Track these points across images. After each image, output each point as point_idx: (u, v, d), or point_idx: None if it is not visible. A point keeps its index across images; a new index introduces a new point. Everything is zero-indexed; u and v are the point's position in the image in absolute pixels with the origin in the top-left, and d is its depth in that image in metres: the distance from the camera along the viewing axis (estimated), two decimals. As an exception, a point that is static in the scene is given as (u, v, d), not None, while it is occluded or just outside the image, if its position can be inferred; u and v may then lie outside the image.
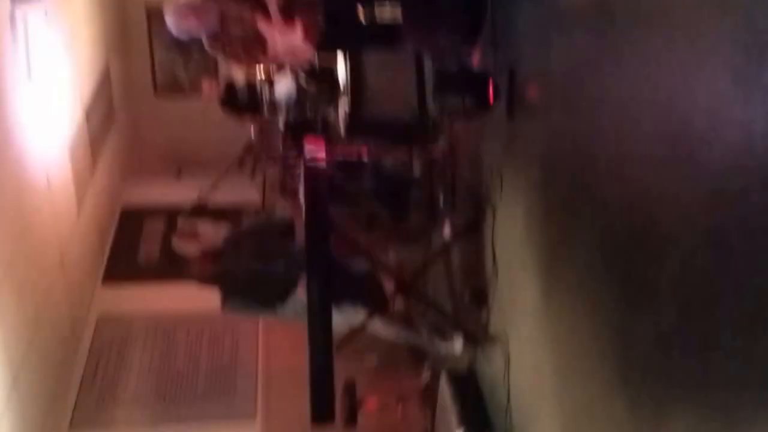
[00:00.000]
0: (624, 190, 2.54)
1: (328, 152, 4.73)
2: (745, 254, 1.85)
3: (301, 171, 4.58)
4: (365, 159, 5.15)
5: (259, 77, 6.16)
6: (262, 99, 6.07)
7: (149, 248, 7.07)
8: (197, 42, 4.31)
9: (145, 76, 8.45)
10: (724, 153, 1.92)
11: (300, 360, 3.92)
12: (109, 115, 7.41)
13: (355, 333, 4.50)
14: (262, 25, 4.11)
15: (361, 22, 4.64)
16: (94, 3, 6.87)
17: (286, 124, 5.91)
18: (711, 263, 2.00)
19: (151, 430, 5.47)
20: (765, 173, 1.75)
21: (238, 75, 6.45)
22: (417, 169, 5.33)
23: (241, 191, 6.73)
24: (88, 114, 6.53)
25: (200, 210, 4.99)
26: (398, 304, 4.89)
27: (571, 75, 3.01)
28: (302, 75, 5.88)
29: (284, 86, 5.89)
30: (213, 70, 8.13)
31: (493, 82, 3.82)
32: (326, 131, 5.93)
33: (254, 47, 4.27)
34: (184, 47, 7.93)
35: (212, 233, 5.80)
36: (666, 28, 2.21)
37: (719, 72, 1.94)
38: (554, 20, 3.17)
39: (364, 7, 4.50)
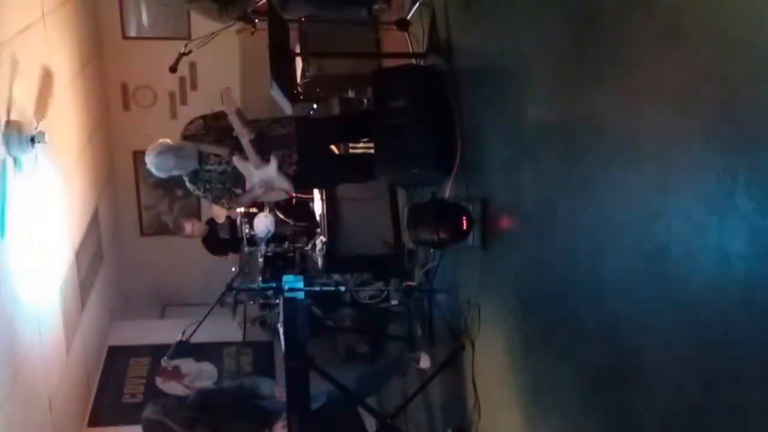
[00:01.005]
0: (603, 316, 2.50)
1: (305, 285, 4.81)
2: (731, 380, 1.83)
3: (280, 303, 4.65)
4: (342, 290, 5.23)
5: (238, 213, 6.34)
6: (242, 235, 6.23)
7: (134, 389, 7.04)
8: (180, 182, 4.46)
9: (132, 217, 8.65)
10: (702, 276, 1.92)
11: None
12: (98, 255, 7.52)
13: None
14: (238, 162, 4.25)
15: (331, 156, 4.80)
16: (85, 148, 7.10)
17: (265, 258, 6.04)
18: (697, 391, 1.96)
19: None
20: (744, 296, 1.75)
21: (220, 213, 6.63)
22: (394, 300, 5.40)
23: (222, 328, 6.78)
24: (78, 256, 6.62)
25: (183, 349, 5.01)
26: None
27: (543, 202, 3.04)
28: (278, 211, 6.07)
29: (263, 222, 6.04)
30: (195, 210, 8.35)
31: (465, 213, 3.86)
32: (304, 264, 6.05)
33: (233, 184, 4.42)
34: (168, 188, 8.19)
35: (195, 371, 5.81)
36: (635, 156, 2.24)
37: (692, 198, 1.96)
38: (523, 151, 3.22)
39: (336, 142, 4.67)
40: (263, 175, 4.30)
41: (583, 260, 2.64)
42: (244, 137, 4.18)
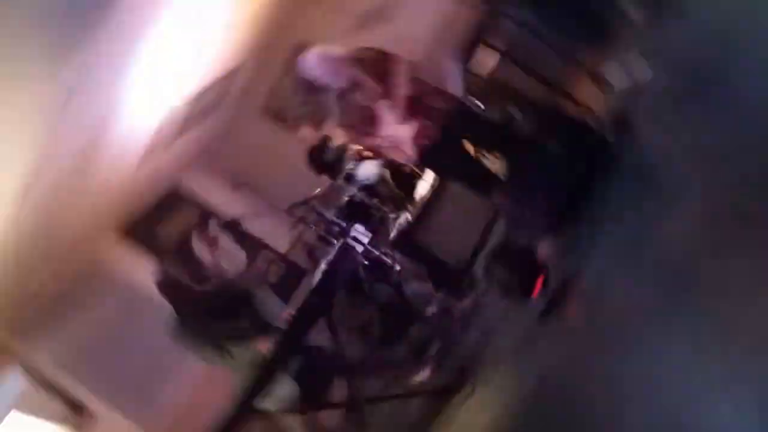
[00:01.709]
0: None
1: (370, 243, 4.77)
2: None
3: (337, 245, 4.63)
4: (397, 269, 5.14)
5: (352, 148, 6.32)
6: (343, 168, 6.20)
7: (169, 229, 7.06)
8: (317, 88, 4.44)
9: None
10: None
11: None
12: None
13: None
14: (383, 105, 4.21)
15: (467, 154, 4.73)
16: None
17: (350, 200, 6.00)
18: None
19: None
20: None
21: (337, 136, 6.60)
22: (431, 310, 5.32)
23: (274, 232, 6.78)
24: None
25: (232, 226, 5.05)
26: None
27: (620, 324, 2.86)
28: (387, 169, 6.03)
29: (369, 169, 6.01)
30: (318, 121, 8.30)
31: (544, 278, 3.77)
32: (379, 226, 5.99)
33: (366, 122, 4.38)
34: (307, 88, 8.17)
35: (228, 251, 5.84)
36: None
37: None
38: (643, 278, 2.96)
39: (476, 145, 4.60)
40: (397, 130, 4.26)
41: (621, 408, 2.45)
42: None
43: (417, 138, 4.29)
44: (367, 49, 4.35)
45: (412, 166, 5.14)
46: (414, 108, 4.26)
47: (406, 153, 4.39)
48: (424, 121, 4.29)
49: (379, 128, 4.32)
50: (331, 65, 4.22)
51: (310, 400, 4.31)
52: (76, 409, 5.59)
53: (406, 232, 5.29)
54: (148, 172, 6.45)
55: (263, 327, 4.33)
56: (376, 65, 4.29)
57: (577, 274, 3.62)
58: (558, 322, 3.47)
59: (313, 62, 4.22)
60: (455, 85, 4.43)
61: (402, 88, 4.14)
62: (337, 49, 4.29)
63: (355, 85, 4.24)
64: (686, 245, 2.69)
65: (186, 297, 4.42)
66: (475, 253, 5.12)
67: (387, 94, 4.17)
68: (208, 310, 4.39)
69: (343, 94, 4.32)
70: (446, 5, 6.77)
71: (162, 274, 4.51)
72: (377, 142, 4.46)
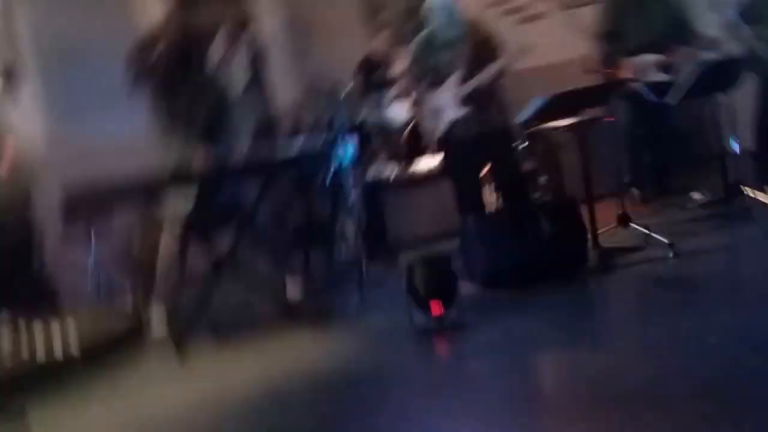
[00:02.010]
0: None
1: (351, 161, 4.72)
2: None
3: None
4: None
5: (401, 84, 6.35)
6: (378, 88, 6.15)
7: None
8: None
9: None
10: None
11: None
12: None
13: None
14: (455, 80, 4.33)
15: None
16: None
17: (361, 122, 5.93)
18: None
19: None
20: None
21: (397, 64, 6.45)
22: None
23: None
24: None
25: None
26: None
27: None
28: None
29: (400, 110, 6.03)
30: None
31: None
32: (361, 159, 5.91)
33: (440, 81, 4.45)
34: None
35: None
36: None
37: None
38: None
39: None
40: (449, 102, 4.32)
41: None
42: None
43: (457, 126, 4.37)
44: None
45: (433, 143, 5.09)
46: (475, 102, 4.32)
47: (436, 127, 4.45)
48: (476, 115, 4.37)
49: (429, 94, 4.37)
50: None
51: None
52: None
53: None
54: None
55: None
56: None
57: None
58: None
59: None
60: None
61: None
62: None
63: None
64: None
65: None
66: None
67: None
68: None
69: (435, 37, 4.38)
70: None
71: None
72: (430, 102, 4.50)
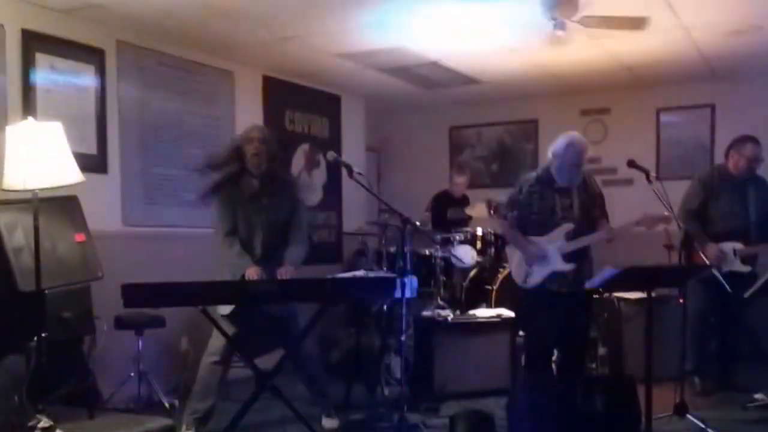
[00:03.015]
0: None
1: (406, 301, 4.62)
2: None
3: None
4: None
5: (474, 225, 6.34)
6: (452, 237, 6.09)
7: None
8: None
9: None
10: None
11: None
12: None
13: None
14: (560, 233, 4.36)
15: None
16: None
17: (428, 255, 5.89)
18: None
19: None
20: None
21: (479, 214, 6.40)
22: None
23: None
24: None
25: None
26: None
27: None
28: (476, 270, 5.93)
29: (467, 254, 5.97)
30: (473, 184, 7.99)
31: None
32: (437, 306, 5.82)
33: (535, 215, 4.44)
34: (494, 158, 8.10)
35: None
36: None
37: None
38: None
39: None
40: (552, 253, 4.32)
41: None
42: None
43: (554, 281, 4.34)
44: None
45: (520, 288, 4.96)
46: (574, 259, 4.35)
47: (542, 275, 4.42)
48: (573, 272, 4.34)
49: (549, 243, 4.38)
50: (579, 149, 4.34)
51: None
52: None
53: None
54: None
55: None
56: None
57: None
58: None
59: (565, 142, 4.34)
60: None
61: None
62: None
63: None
64: None
65: None
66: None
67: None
68: None
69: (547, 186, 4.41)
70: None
71: None
72: (530, 247, 4.42)
